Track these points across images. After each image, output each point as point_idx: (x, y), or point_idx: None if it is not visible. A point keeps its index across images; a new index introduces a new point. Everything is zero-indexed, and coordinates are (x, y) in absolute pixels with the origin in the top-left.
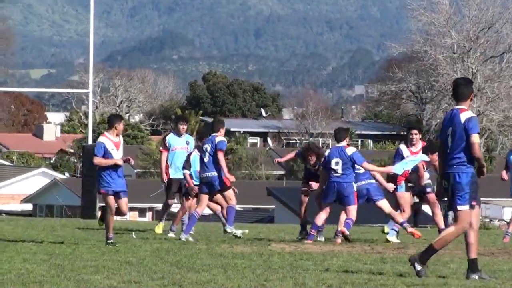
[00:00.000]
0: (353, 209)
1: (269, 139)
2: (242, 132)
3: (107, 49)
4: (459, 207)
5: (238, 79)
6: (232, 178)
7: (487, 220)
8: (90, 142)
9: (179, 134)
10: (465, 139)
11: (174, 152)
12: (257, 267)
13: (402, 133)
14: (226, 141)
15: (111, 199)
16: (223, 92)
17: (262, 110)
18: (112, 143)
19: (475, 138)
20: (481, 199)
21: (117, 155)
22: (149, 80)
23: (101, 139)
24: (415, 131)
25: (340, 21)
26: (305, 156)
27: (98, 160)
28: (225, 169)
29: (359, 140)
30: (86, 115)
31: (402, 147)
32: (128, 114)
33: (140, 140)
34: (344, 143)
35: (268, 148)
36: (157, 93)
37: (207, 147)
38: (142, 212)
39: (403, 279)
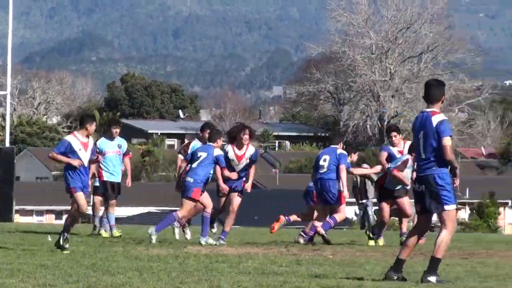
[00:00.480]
0: (340, 209)
1: (186, 141)
2: (159, 134)
3: (26, 50)
4: (446, 207)
5: (156, 80)
6: (226, 189)
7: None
8: (7, 144)
9: (111, 137)
10: (437, 141)
11: (106, 156)
12: (173, 270)
13: (319, 134)
14: (223, 154)
15: (81, 195)
16: (141, 94)
17: (180, 112)
18: (80, 144)
19: (447, 141)
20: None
21: (85, 156)
22: (67, 81)
23: (67, 137)
24: (394, 133)
25: (259, 21)
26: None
27: (53, 155)
28: (220, 181)
29: (277, 142)
30: (3, 117)
31: (389, 148)
32: (45, 116)
33: (58, 142)
34: (338, 146)
35: None
36: (75, 94)
37: (202, 154)
38: (59, 214)
39: (318, 281)
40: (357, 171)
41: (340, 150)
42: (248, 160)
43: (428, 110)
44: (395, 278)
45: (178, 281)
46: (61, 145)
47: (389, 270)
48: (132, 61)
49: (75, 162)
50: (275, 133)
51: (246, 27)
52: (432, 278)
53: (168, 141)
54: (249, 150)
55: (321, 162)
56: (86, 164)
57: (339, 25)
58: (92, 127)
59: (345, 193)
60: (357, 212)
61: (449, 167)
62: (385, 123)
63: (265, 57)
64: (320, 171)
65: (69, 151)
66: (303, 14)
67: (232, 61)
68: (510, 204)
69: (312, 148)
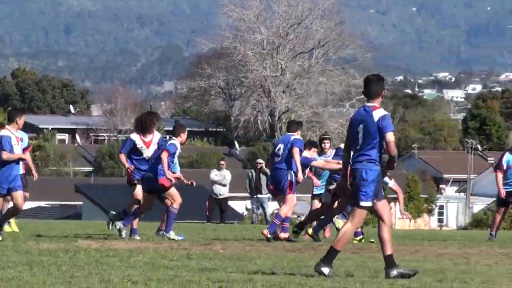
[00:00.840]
0: (289, 199)
1: (77, 136)
2: (50, 128)
3: None
4: (362, 203)
5: (48, 75)
6: (171, 179)
7: (295, 216)
8: None
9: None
10: (377, 137)
11: None
12: (63, 264)
13: (210, 129)
14: (177, 146)
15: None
16: (32, 89)
17: (71, 107)
18: (15, 138)
19: (390, 136)
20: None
21: (18, 150)
22: None
23: (5, 132)
24: (326, 141)
25: (151, 17)
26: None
27: (7, 156)
28: (165, 168)
29: (167, 137)
30: None
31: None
32: None
33: None
34: (294, 134)
35: (76, 144)
36: None
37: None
38: None
39: (208, 275)
40: (318, 163)
41: (295, 136)
42: (156, 146)
43: (369, 104)
44: (396, 273)
45: (68, 275)
46: (6, 142)
47: (386, 269)
48: (23, 56)
49: (24, 156)
50: (166, 128)
51: (137, 23)
52: (326, 270)
53: (59, 136)
54: (156, 136)
55: (276, 151)
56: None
57: (230, 21)
58: (21, 120)
59: (299, 176)
60: (248, 207)
61: (380, 163)
62: (276, 118)
63: (156, 53)
64: (275, 160)
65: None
66: (194, 9)
67: (124, 56)
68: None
69: (203, 143)
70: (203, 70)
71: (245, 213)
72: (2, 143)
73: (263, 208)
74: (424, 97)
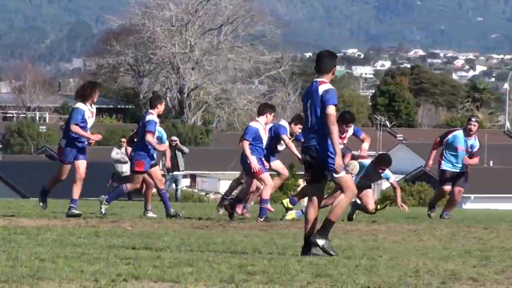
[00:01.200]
0: (263, 178)
1: None
2: None
3: None
4: (336, 174)
5: None
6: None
7: (203, 193)
8: None
9: None
10: (322, 110)
11: None
12: None
13: (119, 106)
14: (156, 121)
15: None
16: None
17: None
18: None
19: (331, 110)
20: (199, 172)
21: None
22: None
23: None
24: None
25: None
26: None
27: None
28: (156, 146)
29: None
30: None
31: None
32: None
33: None
34: (263, 117)
35: None
36: None
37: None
38: None
39: (116, 252)
40: (289, 144)
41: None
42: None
43: (317, 80)
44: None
45: None
46: None
47: (315, 235)
48: None
49: None
50: (75, 106)
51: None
52: (321, 242)
53: None
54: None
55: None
56: None
57: None
58: None
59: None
60: None
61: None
62: (185, 95)
63: (65, 29)
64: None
65: None
66: None
67: (33, 33)
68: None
69: (111, 120)
70: (112, 47)
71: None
72: None
73: (176, 185)
74: None
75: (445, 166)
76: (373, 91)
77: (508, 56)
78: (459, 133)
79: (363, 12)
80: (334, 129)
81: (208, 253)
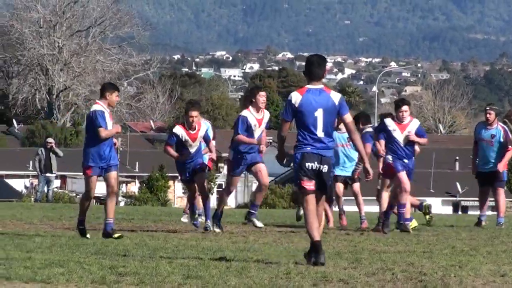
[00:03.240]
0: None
1: None
2: None
3: None
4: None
5: None
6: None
7: (74, 194)
8: None
9: None
10: (335, 119)
11: None
12: None
13: None
14: (102, 109)
15: None
16: None
17: None
18: None
19: (350, 117)
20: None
21: None
22: None
23: None
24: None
25: None
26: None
27: None
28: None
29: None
30: None
31: None
32: None
33: None
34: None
35: None
36: None
37: None
38: None
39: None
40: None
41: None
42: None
43: (319, 87)
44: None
45: None
46: None
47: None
48: None
49: None
50: None
51: None
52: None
53: None
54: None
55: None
56: None
57: None
58: None
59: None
60: (27, 184)
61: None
62: (54, 96)
63: None
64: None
65: None
66: None
67: None
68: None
69: None
70: None
71: (24, 191)
72: None
73: (48, 186)
74: (202, 75)
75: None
76: (242, 93)
77: (376, 59)
78: (478, 125)
79: (231, 15)
80: (358, 136)
81: (79, 254)
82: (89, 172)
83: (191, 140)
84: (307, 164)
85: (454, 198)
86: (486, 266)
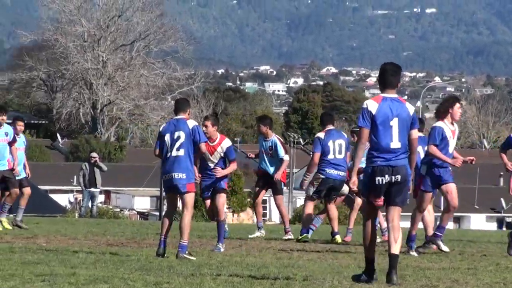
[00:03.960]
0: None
1: None
2: None
3: None
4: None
5: None
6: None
7: (118, 210)
8: None
9: None
10: (408, 129)
11: None
12: None
13: (32, 121)
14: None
15: None
16: None
17: None
18: None
19: (417, 133)
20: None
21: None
22: None
23: None
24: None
25: None
26: None
27: None
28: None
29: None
30: None
31: None
32: None
33: None
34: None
35: None
36: None
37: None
38: None
39: (31, 269)
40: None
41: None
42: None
43: (395, 96)
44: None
45: None
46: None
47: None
48: None
49: None
50: None
51: None
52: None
53: None
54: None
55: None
56: None
57: (51, 13)
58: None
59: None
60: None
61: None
62: (98, 111)
63: None
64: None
65: None
66: (15, 1)
67: None
68: None
69: (25, 135)
70: (24, 62)
71: (68, 206)
72: None
73: (92, 202)
74: (246, 90)
75: None
76: (286, 108)
77: (420, 74)
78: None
79: (275, 29)
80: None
81: (123, 270)
82: None
83: (208, 153)
84: (376, 179)
85: (499, 214)
86: None
